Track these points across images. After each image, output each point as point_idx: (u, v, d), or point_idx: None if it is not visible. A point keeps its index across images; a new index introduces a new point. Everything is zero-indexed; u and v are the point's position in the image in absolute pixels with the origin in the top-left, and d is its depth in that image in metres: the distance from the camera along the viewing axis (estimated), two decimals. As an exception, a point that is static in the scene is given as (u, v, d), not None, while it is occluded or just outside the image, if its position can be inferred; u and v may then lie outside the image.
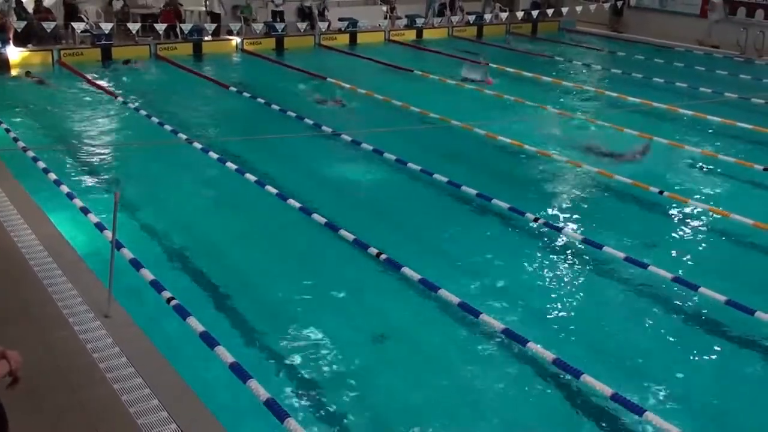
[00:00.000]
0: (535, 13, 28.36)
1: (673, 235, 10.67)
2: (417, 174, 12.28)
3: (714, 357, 7.75)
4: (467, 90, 18.84)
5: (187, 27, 23.64)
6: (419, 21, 27.49)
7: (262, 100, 17.02)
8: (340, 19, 26.44)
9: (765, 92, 18.69)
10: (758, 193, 12.00)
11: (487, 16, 28.62)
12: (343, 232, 9.61)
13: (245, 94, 17.93)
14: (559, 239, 10.22)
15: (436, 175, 11.89)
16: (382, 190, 12.40)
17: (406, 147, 13.62)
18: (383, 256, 8.91)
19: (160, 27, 23.17)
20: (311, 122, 15.09)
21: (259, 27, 24.70)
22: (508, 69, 21.59)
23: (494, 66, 21.83)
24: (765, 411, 6.88)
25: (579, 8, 27.99)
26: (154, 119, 15.29)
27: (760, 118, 16.05)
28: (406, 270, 8.57)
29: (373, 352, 7.73)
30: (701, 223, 10.96)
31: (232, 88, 18.64)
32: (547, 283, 9.18)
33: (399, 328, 8.15)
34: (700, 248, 10.26)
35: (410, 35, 27.25)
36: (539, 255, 9.92)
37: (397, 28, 27.32)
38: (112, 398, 5.99)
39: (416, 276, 8.44)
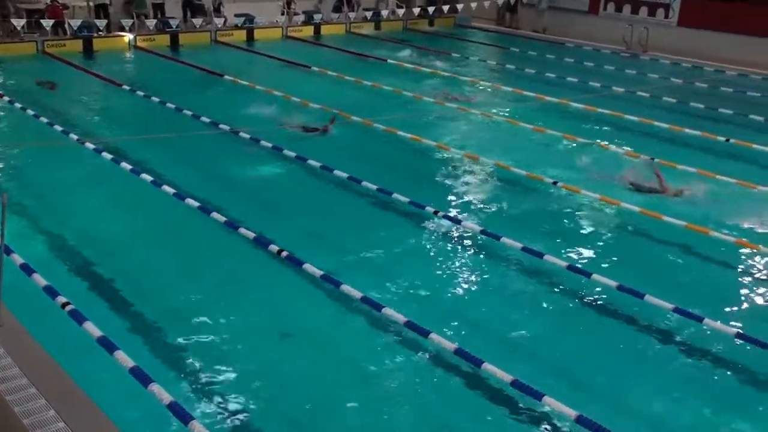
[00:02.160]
0: (431, 9, 28.74)
1: (567, 224, 11.03)
2: (317, 171, 12.27)
3: (610, 340, 8.08)
4: (366, 86, 18.93)
5: (75, 23, 22.81)
6: (317, 17, 27.43)
7: (157, 99, 16.61)
8: (237, 15, 26.09)
9: (650, 86, 19.60)
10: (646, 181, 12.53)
11: (384, 12, 28.83)
12: (243, 231, 9.51)
13: (139, 92, 17.45)
14: (460, 231, 10.43)
15: (336, 172, 11.91)
16: (283, 187, 12.34)
17: (306, 144, 13.59)
18: (284, 254, 8.87)
19: (47, 23, 22.29)
20: (208, 120, 14.86)
21: (152, 23, 24.08)
22: (406, 65, 21.92)
23: (392, 62, 22.06)
24: (660, 388, 7.22)
25: (474, 4, 28.53)
26: (43, 119, 14.68)
27: (646, 111, 16.87)
28: (307, 266, 8.55)
29: (276, 350, 7.71)
30: (593, 212, 11.37)
31: (125, 86, 18.11)
32: (448, 275, 9.35)
33: (303, 325, 8.15)
34: (592, 236, 10.64)
35: (308, 31, 27.14)
36: (440, 247, 10.10)
37: (294, 24, 27.19)
38: (4, 410, 5.75)
39: (318, 272, 8.44)
